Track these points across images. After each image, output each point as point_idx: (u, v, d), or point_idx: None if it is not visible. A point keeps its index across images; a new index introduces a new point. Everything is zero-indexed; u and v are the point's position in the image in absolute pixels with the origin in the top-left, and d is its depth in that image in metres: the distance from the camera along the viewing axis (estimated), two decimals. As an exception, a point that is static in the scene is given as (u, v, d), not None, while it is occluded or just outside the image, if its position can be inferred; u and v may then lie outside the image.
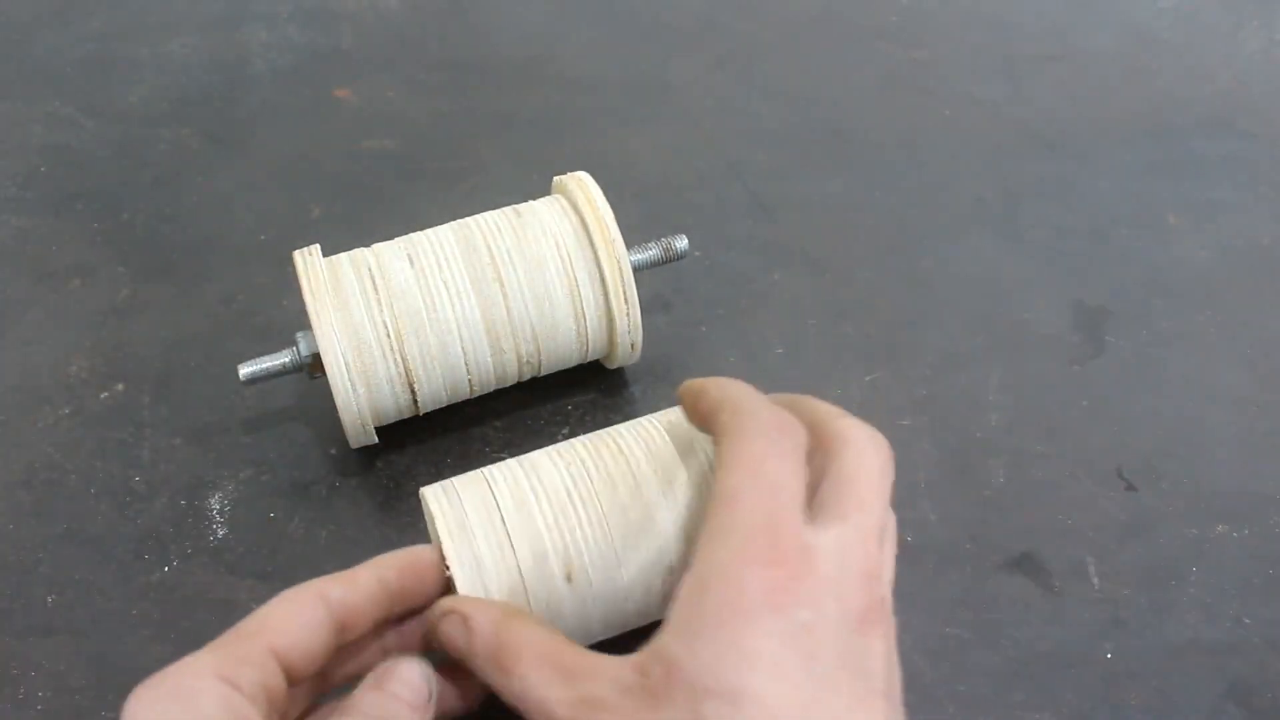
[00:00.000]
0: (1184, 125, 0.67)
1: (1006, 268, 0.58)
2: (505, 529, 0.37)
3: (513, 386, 0.49)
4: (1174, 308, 0.56)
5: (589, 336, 0.47)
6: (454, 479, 0.40)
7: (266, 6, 0.75)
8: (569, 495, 0.38)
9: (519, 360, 0.47)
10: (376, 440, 0.47)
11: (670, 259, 0.50)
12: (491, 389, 0.48)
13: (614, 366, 0.50)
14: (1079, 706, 0.42)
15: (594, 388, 0.52)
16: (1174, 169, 0.64)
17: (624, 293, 0.46)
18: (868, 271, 0.58)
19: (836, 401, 0.34)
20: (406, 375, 0.45)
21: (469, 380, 0.47)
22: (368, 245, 0.47)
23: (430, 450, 0.50)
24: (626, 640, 0.38)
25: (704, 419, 0.36)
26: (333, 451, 0.50)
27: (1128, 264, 0.58)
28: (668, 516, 0.38)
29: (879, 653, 0.30)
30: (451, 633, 0.34)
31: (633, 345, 0.48)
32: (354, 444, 0.47)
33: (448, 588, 0.37)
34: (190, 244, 0.59)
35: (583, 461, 0.39)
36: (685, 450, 0.39)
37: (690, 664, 0.28)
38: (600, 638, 0.39)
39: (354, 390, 0.44)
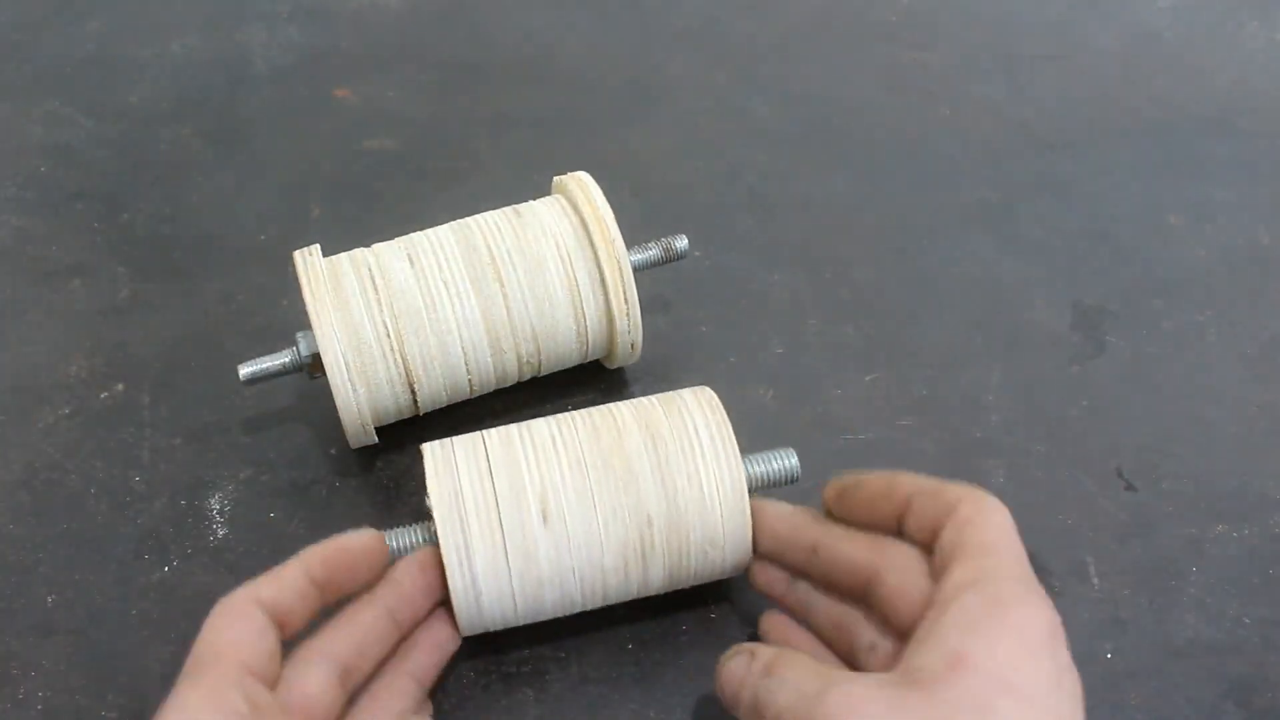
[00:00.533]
0: (1184, 125, 0.67)
1: (1006, 268, 0.58)
2: (489, 465, 0.39)
3: (513, 386, 0.49)
4: (1174, 308, 0.56)
5: (589, 336, 0.47)
6: (454, 437, 0.41)
7: (266, 6, 0.75)
8: (553, 442, 0.40)
9: (519, 360, 0.47)
10: (376, 440, 0.47)
11: (670, 259, 0.50)
12: (491, 389, 0.48)
13: (614, 366, 0.50)
14: (1079, 706, 0.42)
15: (594, 388, 0.52)
16: (1174, 169, 0.64)
17: (624, 293, 0.46)
18: (868, 271, 0.58)
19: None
20: (406, 375, 0.45)
21: (469, 380, 0.47)
22: (368, 245, 0.47)
23: (430, 450, 0.50)
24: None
25: (911, 504, 0.37)
26: (333, 451, 0.50)
27: (1128, 264, 0.58)
28: (649, 468, 0.39)
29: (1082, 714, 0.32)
30: (737, 665, 0.36)
31: (633, 345, 0.48)
32: (354, 444, 0.47)
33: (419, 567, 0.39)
34: (190, 244, 0.59)
35: (572, 418, 0.41)
36: (674, 415, 0.40)
37: (989, 659, 0.30)
38: (582, 606, 0.40)
39: (354, 390, 0.44)
